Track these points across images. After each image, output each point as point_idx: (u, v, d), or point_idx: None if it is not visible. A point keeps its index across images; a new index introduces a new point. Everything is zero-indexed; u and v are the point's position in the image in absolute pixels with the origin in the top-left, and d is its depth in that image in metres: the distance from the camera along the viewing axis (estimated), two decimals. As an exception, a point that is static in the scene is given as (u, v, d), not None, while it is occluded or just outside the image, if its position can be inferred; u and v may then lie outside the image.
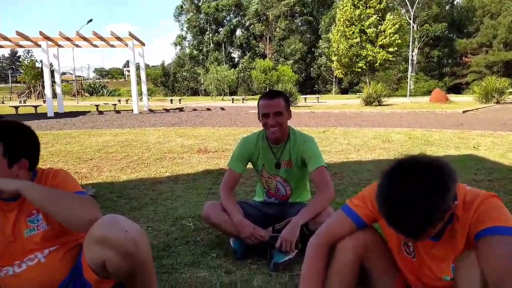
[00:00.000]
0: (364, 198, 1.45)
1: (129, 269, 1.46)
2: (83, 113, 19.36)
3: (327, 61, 49.23)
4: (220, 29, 58.26)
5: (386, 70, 41.17)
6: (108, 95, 53.87)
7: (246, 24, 58.31)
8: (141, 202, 3.80)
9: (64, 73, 62.61)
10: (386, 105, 19.77)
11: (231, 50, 60.76)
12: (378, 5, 35.59)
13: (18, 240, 1.54)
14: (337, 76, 44.63)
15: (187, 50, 59.41)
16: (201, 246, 2.75)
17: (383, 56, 35.72)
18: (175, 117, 15.48)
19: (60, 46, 19.73)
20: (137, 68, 20.72)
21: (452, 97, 26.31)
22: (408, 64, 36.74)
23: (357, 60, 36.65)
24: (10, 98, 47.82)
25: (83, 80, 66.43)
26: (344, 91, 52.55)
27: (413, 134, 8.31)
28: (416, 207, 1.12)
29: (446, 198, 1.15)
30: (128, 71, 57.36)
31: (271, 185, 2.82)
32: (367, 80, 36.57)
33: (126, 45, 19.26)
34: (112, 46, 20.10)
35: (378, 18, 35.73)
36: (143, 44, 20.49)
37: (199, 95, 53.47)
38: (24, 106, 23.56)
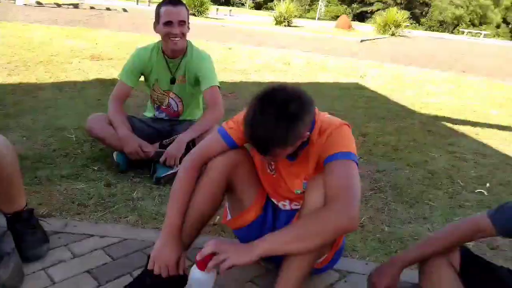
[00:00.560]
0: (238, 121, 1.55)
1: None
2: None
3: (244, -28, 46.80)
4: None
5: (300, -11, 40.73)
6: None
7: None
8: (17, 109, 3.51)
9: None
10: (295, 26, 19.96)
11: None
12: None
13: None
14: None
15: None
16: (81, 159, 2.71)
17: (299, -27, 35.02)
18: (68, 14, 13.78)
19: None
20: None
21: (356, 25, 27.43)
22: (322, -15, 36.75)
23: (273, -26, 35.50)
24: None
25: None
26: (258, 7, 51.28)
27: (312, 59, 8.67)
28: (268, 130, 1.26)
29: (298, 126, 1.30)
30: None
31: (163, 101, 2.77)
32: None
33: None
34: None
35: None
36: None
37: (99, -9, 47.40)
38: None
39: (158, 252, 1.44)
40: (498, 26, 41.10)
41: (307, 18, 38.31)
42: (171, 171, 2.45)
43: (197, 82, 2.66)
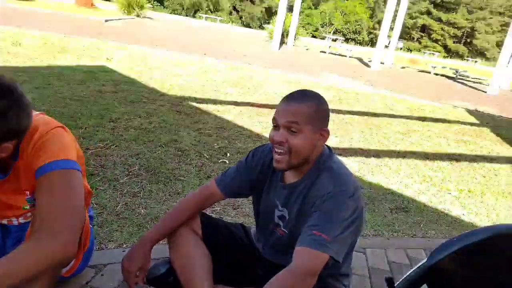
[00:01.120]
0: None
1: None
2: None
3: None
4: None
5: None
6: None
7: None
8: None
9: None
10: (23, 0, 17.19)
11: None
12: None
13: None
14: None
15: None
16: None
17: None
18: None
19: None
20: None
21: (99, 3, 26.01)
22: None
23: None
24: None
25: None
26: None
27: (49, 40, 7.72)
28: None
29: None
30: None
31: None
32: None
33: None
34: None
35: None
36: None
37: None
38: None
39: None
40: (230, 13, 46.95)
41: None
42: None
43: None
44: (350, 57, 16.76)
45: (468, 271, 1.11)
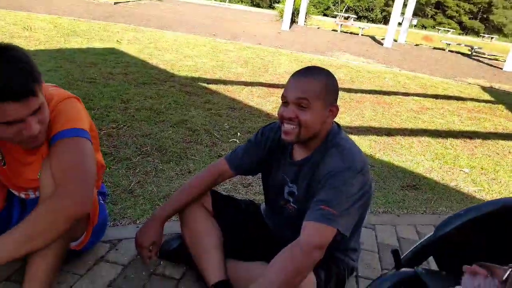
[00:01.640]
0: None
1: None
2: None
3: None
4: None
5: None
6: None
7: None
8: None
9: None
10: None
11: None
12: None
13: None
14: None
15: None
16: None
17: None
18: None
19: None
20: None
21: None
22: None
23: None
24: None
25: None
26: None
27: (59, 23, 7.75)
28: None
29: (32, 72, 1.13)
30: None
31: None
32: None
33: None
34: None
35: None
36: None
37: None
38: None
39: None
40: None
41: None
42: None
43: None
44: (362, 35, 16.46)
45: (474, 244, 1.12)
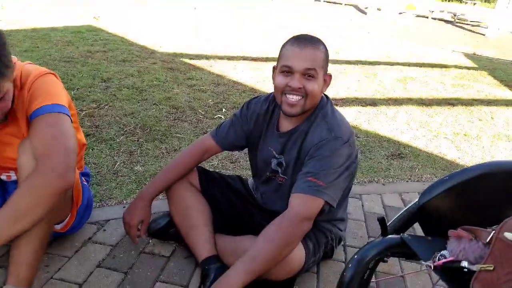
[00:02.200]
0: None
1: None
2: None
3: None
4: None
5: None
6: None
7: None
8: None
9: None
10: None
11: None
12: None
13: None
14: None
15: None
16: None
17: None
18: None
19: None
20: None
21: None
22: None
23: None
24: None
25: None
26: None
27: (31, 1, 7.43)
28: None
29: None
30: None
31: None
32: None
33: None
34: None
35: None
36: None
37: None
38: None
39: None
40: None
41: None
42: None
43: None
44: (345, 4, 16.25)
45: (458, 209, 1.13)
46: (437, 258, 0.94)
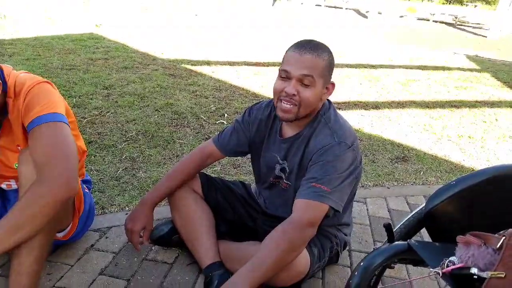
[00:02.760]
0: None
1: None
2: None
3: None
4: None
5: None
6: None
7: None
8: None
9: None
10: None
11: None
12: None
13: None
14: None
15: None
16: None
17: None
18: None
19: None
20: None
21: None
22: None
23: None
24: None
25: None
26: None
27: (34, 10, 7.47)
28: None
29: None
30: None
31: None
32: None
33: None
34: None
35: None
36: None
37: None
38: None
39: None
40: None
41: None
42: None
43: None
44: (346, 8, 16.29)
45: (466, 214, 1.11)
46: (445, 264, 0.91)
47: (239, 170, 2.48)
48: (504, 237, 0.81)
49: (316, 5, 16.86)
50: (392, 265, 1.09)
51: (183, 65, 4.86)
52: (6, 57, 4.33)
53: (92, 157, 2.41)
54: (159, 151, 2.60)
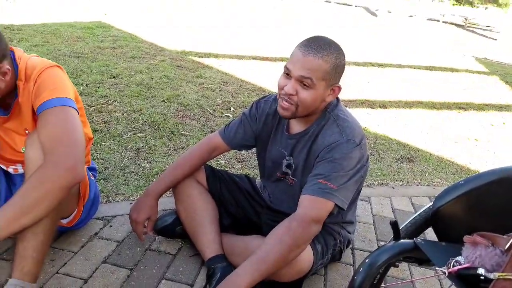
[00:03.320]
0: None
1: None
2: None
3: None
4: None
5: None
6: None
7: None
8: None
9: None
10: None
11: None
12: None
13: None
14: None
15: None
16: None
17: None
18: None
19: None
20: None
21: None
22: None
23: None
24: None
25: None
26: None
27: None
28: None
29: None
30: None
31: None
32: None
33: None
34: None
35: None
36: None
37: None
38: None
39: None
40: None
41: None
42: None
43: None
44: (356, 6, 16.18)
45: (474, 214, 1.10)
46: (451, 264, 0.91)
47: (243, 164, 2.47)
48: (512, 239, 0.81)
49: (325, 1, 16.77)
50: (397, 263, 1.08)
51: (190, 57, 4.85)
52: (15, 42, 4.34)
53: (98, 145, 2.42)
54: (165, 142, 2.60)
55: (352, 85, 4.59)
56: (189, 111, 3.16)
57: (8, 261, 1.45)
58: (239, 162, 2.50)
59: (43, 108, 1.17)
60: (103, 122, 2.74)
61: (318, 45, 1.26)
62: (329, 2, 16.66)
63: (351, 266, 1.67)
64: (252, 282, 1.17)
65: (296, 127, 1.44)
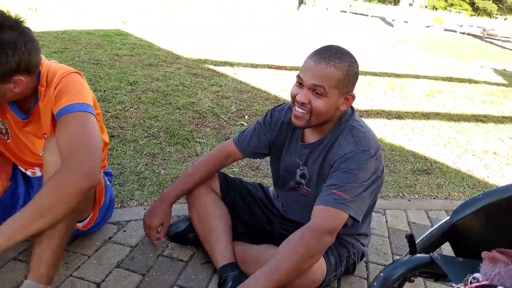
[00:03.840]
0: None
1: None
2: None
3: None
4: None
5: None
6: None
7: None
8: None
9: None
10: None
11: None
12: None
13: None
14: None
15: None
16: None
17: None
18: None
19: None
20: None
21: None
22: None
23: None
24: None
25: None
26: None
27: (62, 4, 7.66)
28: None
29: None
30: None
31: None
32: None
33: None
34: None
35: None
36: None
37: None
38: None
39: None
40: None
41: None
42: None
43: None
44: (372, 16, 16.15)
45: (492, 229, 1.08)
46: (469, 281, 0.89)
47: (257, 173, 2.47)
48: (534, 257, 0.78)
49: (341, 11, 16.79)
50: (412, 278, 1.06)
51: (206, 65, 4.90)
52: (36, 49, 4.44)
53: (114, 151, 2.45)
54: (179, 149, 2.62)
55: (367, 95, 4.56)
56: (203, 119, 3.18)
57: (24, 262, 1.47)
58: (253, 170, 2.50)
59: (62, 113, 1.20)
60: (119, 128, 2.78)
61: (329, 53, 1.26)
62: (345, 12, 16.67)
63: (365, 280, 1.65)
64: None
65: (311, 136, 1.43)
